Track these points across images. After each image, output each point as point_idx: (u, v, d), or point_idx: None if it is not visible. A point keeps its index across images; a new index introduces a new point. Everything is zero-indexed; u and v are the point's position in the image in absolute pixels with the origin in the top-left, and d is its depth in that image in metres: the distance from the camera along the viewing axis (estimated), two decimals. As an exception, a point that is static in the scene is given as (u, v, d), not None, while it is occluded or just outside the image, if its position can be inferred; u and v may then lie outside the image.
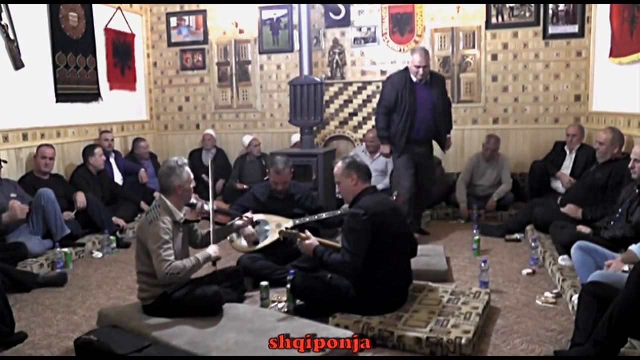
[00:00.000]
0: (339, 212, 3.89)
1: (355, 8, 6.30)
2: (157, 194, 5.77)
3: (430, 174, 4.87)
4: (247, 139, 6.36)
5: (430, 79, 4.58)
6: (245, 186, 5.99)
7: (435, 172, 5.32)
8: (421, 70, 4.46)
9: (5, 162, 4.35)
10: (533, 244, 4.04)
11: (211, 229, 3.09)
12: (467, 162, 5.78)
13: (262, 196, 3.98)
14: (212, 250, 2.95)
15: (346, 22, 6.32)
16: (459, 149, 6.20)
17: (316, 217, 3.86)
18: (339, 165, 3.05)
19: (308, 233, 3.06)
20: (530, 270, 3.83)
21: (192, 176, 2.96)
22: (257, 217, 3.81)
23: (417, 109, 4.49)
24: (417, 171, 4.63)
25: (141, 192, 5.70)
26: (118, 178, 5.68)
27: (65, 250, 4.25)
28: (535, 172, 5.30)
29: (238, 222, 3.35)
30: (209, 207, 3.15)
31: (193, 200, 3.10)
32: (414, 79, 4.52)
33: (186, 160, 2.97)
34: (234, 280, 3.24)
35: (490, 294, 3.27)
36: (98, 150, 5.21)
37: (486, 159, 5.63)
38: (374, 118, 6.32)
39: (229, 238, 3.85)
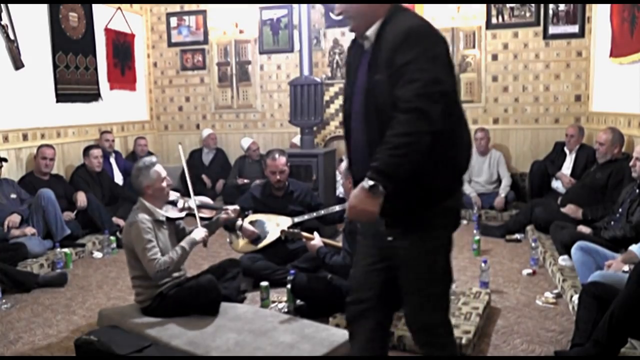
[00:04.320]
0: (337, 208, 3.89)
1: (355, 8, 6.29)
2: None
3: (418, 303, 1.89)
4: (245, 143, 6.37)
5: (378, 35, 1.79)
6: (245, 180, 6.00)
7: (435, 304, 1.90)
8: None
9: (6, 160, 4.35)
10: (533, 244, 4.04)
11: (198, 224, 3.07)
12: None
13: (261, 194, 3.98)
14: (197, 234, 2.92)
15: (346, 22, 6.30)
16: (459, 149, 6.20)
17: (314, 214, 3.86)
18: (342, 165, 3.07)
19: (315, 234, 3.07)
20: (530, 270, 3.83)
21: (164, 174, 2.92)
22: (256, 216, 3.82)
23: (351, 110, 1.90)
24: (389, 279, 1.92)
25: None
26: (118, 178, 5.68)
27: (65, 250, 4.25)
28: (535, 172, 5.31)
29: (223, 216, 3.30)
30: (190, 203, 3.13)
31: (173, 198, 3.10)
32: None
33: (155, 159, 2.94)
34: (231, 272, 3.23)
35: (490, 294, 3.27)
36: (93, 152, 5.18)
37: (481, 152, 5.69)
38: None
39: (228, 239, 3.85)
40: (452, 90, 1.73)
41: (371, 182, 1.62)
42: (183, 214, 3.11)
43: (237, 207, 3.39)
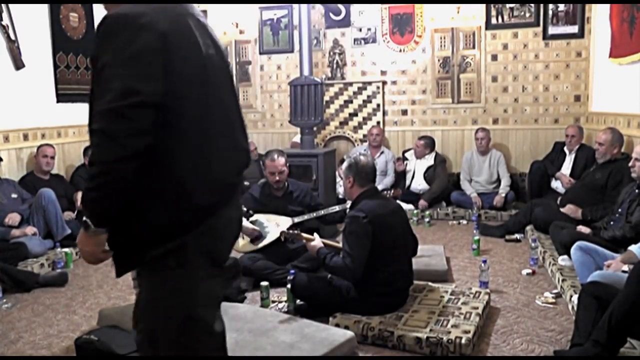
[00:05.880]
0: (337, 208, 3.90)
1: (355, 8, 6.30)
2: None
3: None
4: None
5: None
6: (245, 182, 6.00)
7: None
8: None
9: (1, 159, 4.37)
10: (533, 244, 4.04)
11: None
12: (462, 161, 5.87)
13: (260, 195, 3.99)
14: None
15: (346, 22, 6.33)
16: (459, 148, 6.22)
17: (314, 215, 3.86)
18: (343, 165, 3.07)
19: (315, 235, 3.07)
20: (530, 270, 3.83)
21: None
22: (256, 217, 3.82)
23: None
24: None
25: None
26: (118, 178, 5.68)
27: (66, 250, 4.25)
28: (534, 172, 5.32)
29: None
30: None
31: None
32: None
33: None
34: (227, 274, 3.24)
35: (490, 293, 3.27)
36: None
37: (481, 152, 5.71)
38: (373, 118, 6.39)
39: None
40: (162, 98, 1.36)
41: (84, 219, 1.43)
42: None
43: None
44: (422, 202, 5.66)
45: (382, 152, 6.10)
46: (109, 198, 1.35)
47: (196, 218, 1.47)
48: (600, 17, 5.31)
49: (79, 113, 5.60)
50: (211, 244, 1.53)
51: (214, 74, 1.50)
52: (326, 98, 6.34)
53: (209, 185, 1.49)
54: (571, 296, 3.08)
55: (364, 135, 6.35)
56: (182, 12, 1.48)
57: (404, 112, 6.38)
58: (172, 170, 1.43)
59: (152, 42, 1.35)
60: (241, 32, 6.74)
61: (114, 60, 1.33)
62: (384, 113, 6.39)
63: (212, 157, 1.50)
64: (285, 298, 3.27)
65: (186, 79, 1.42)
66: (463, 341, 2.56)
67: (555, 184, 5.15)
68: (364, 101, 6.38)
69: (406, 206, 5.58)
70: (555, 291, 3.38)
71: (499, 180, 5.70)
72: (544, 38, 5.87)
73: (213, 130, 1.50)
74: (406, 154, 6.09)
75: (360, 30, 6.33)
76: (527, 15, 5.88)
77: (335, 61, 6.40)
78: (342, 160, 5.63)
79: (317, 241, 3.01)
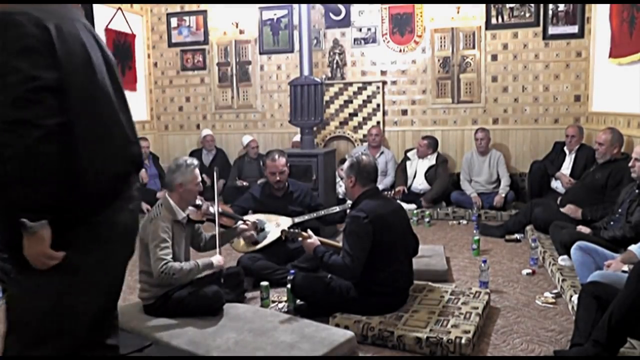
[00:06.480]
0: (337, 208, 3.90)
1: (355, 8, 6.31)
2: (160, 193, 5.73)
3: None
4: (246, 139, 6.40)
5: None
6: (245, 182, 6.01)
7: None
8: None
9: None
10: (533, 244, 4.04)
11: (217, 232, 3.11)
12: (462, 161, 5.87)
13: (261, 195, 3.99)
14: (216, 259, 2.99)
15: (346, 22, 6.33)
16: (458, 149, 6.22)
17: (314, 215, 3.87)
18: (345, 164, 3.07)
19: (310, 232, 3.07)
20: (529, 270, 3.84)
21: (199, 179, 2.97)
22: (256, 217, 3.82)
23: None
24: None
25: (141, 193, 5.67)
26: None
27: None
28: (534, 172, 5.32)
29: (242, 226, 3.38)
30: (213, 209, 3.17)
31: (198, 202, 3.12)
32: None
33: (197, 162, 2.98)
34: (233, 280, 3.26)
35: (490, 293, 3.27)
36: None
37: (481, 152, 5.72)
38: (373, 118, 6.39)
39: (228, 239, 3.87)
40: (59, 83, 1.43)
41: (20, 221, 1.38)
42: (204, 218, 3.14)
43: (256, 220, 3.51)
44: (424, 204, 5.67)
45: (381, 152, 6.10)
46: (39, 185, 1.37)
47: (89, 207, 1.52)
48: (600, 17, 5.31)
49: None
50: (104, 238, 1.57)
51: (100, 72, 1.57)
52: (326, 98, 6.34)
53: (103, 175, 1.54)
54: (571, 296, 3.08)
55: (364, 135, 6.35)
56: (70, 16, 1.54)
57: (404, 112, 6.39)
58: (68, 159, 1.45)
59: (40, 36, 1.42)
60: (241, 32, 6.74)
61: (6, 56, 1.38)
62: (384, 113, 6.39)
63: (104, 146, 1.55)
64: (285, 298, 3.27)
65: (71, 70, 1.47)
66: (463, 341, 2.57)
67: (555, 184, 5.15)
68: (364, 101, 6.39)
69: (407, 206, 5.58)
70: (555, 291, 3.38)
71: (498, 180, 5.70)
72: (544, 38, 5.88)
73: (102, 122, 1.56)
74: (408, 154, 6.09)
75: (360, 30, 6.33)
76: (527, 15, 5.89)
77: (335, 61, 6.40)
78: (342, 160, 5.64)
79: (313, 239, 3.00)
